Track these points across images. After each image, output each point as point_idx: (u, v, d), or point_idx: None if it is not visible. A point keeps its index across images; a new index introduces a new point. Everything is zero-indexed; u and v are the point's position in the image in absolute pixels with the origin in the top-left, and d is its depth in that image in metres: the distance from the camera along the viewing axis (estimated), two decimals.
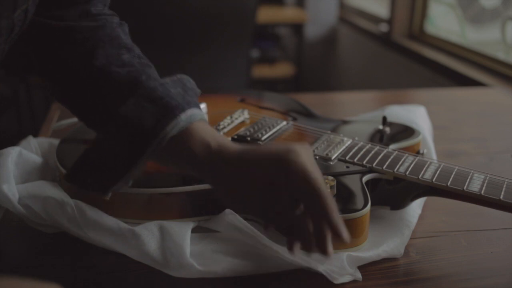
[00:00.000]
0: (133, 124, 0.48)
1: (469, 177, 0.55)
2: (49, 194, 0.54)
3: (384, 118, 0.69)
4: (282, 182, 0.44)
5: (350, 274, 0.49)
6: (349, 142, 0.63)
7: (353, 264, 0.50)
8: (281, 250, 0.49)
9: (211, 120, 0.72)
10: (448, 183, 0.54)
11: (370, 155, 0.60)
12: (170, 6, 1.52)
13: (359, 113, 0.88)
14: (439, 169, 0.56)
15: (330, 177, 0.52)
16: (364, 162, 0.58)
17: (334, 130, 0.69)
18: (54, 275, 0.50)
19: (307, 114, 0.75)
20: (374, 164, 0.58)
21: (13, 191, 0.55)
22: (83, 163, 0.51)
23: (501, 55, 1.53)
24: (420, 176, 0.55)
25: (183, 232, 0.52)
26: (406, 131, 0.69)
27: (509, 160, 0.78)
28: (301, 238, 0.44)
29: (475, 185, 0.53)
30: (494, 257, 0.54)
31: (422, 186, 0.56)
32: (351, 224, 0.50)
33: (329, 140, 0.64)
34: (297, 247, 0.45)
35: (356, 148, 0.62)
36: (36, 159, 0.63)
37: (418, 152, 0.66)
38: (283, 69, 2.80)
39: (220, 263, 0.49)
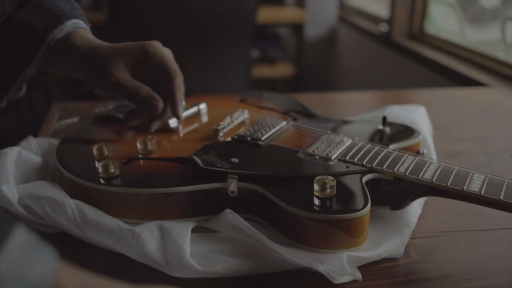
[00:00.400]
0: (25, 28, 0.54)
1: (469, 177, 0.55)
2: (49, 195, 0.54)
3: (384, 118, 0.69)
4: (142, 61, 0.56)
5: (350, 274, 0.49)
6: (349, 142, 0.63)
7: (353, 264, 0.50)
8: (281, 250, 0.49)
9: (211, 120, 0.72)
10: (448, 183, 0.54)
11: (370, 155, 0.60)
12: (170, 6, 1.53)
13: (359, 113, 0.88)
14: (439, 169, 0.56)
15: (330, 177, 0.52)
16: (364, 162, 0.58)
17: (334, 130, 0.69)
18: None
19: (307, 114, 0.75)
20: (374, 164, 0.58)
21: (13, 191, 0.55)
22: None
23: (501, 55, 1.53)
24: (420, 176, 0.55)
25: (183, 232, 0.52)
26: (406, 131, 0.69)
27: (509, 160, 0.78)
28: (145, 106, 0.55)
29: (475, 185, 0.53)
30: (494, 257, 0.54)
31: (422, 186, 0.56)
32: (351, 224, 0.50)
33: (329, 140, 0.64)
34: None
35: (356, 148, 0.62)
36: (36, 159, 0.63)
37: (418, 152, 0.66)
38: (283, 69, 2.80)
39: (220, 263, 0.49)
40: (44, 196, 0.54)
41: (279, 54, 2.84)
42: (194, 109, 0.74)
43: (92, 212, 0.53)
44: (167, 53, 0.57)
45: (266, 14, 2.51)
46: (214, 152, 0.60)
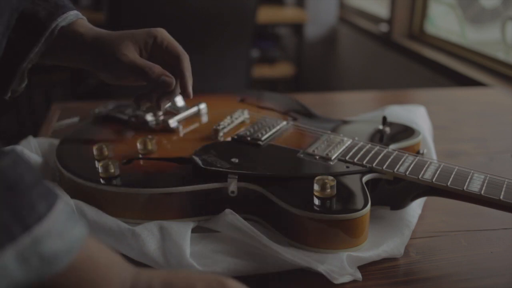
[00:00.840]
0: (29, 17, 0.55)
1: (469, 177, 0.55)
2: None
3: (384, 118, 0.69)
4: (150, 45, 0.59)
5: (350, 274, 0.49)
6: (349, 142, 0.63)
7: (353, 264, 0.50)
8: (281, 250, 0.50)
9: (211, 120, 0.72)
10: (448, 183, 0.54)
11: (370, 155, 0.60)
12: (170, 6, 1.52)
13: (359, 113, 0.88)
14: (439, 169, 0.56)
15: (330, 177, 0.52)
16: (364, 162, 0.58)
17: (334, 130, 0.69)
18: None
19: (307, 114, 0.75)
20: (374, 164, 0.58)
21: None
22: None
23: (501, 55, 1.53)
24: (420, 176, 0.55)
25: (183, 232, 0.52)
26: (406, 131, 0.69)
27: (509, 160, 0.78)
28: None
29: (475, 185, 0.53)
30: (494, 257, 0.54)
31: (422, 186, 0.56)
32: (351, 224, 0.50)
33: (329, 140, 0.64)
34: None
35: (356, 148, 0.62)
36: (36, 159, 0.63)
37: (418, 152, 0.66)
38: (283, 69, 2.80)
39: (220, 263, 0.49)
40: None
41: (279, 54, 2.84)
42: (194, 109, 0.74)
43: (92, 212, 0.53)
44: (173, 39, 0.60)
45: (266, 14, 2.51)
46: (214, 152, 0.60)
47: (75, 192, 0.56)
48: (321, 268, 0.49)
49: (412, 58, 1.85)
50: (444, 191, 0.54)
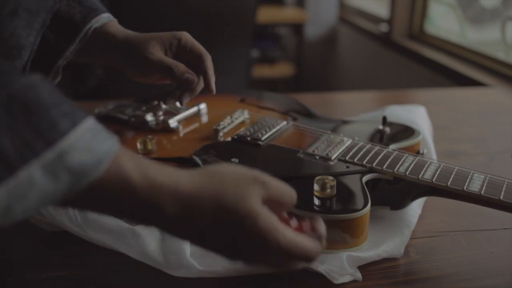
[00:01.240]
0: (65, 18, 0.60)
1: (469, 177, 0.55)
2: None
3: (384, 118, 0.69)
4: (175, 47, 0.64)
5: (350, 274, 0.49)
6: (349, 142, 0.63)
7: (353, 264, 0.50)
8: None
9: (211, 120, 0.72)
10: (448, 183, 0.54)
11: (370, 155, 0.60)
12: (170, 6, 1.52)
13: (359, 113, 0.88)
14: (439, 169, 0.56)
15: (330, 177, 0.52)
16: (364, 162, 0.58)
17: (334, 130, 0.69)
18: (54, 274, 0.50)
19: (307, 114, 0.75)
20: (374, 164, 0.58)
21: None
22: None
23: (501, 55, 1.53)
24: (420, 176, 0.55)
25: None
26: (406, 131, 0.69)
27: (509, 160, 0.78)
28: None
29: (475, 185, 0.53)
30: (494, 257, 0.54)
31: (422, 186, 0.56)
32: (351, 224, 0.50)
33: (329, 140, 0.64)
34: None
35: (356, 148, 0.62)
36: None
37: (418, 152, 0.66)
38: (283, 69, 2.80)
39: (220, 263, 0.49)
40: None
41: (279, 54, 2.84)
42: (194, 109, 0.74)
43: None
44: (195, 41, 0.66)
45: (266, 14, 2.51)
46: (214, 152, 0.60)
47: None
48: (321, 268, 0.49)
49: (412, 58, 1.85)
50: (444, 191, 0.54)
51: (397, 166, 0.57)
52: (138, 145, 0.62)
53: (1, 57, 0.48)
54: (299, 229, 0.42)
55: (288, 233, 0.38)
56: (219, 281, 0.49)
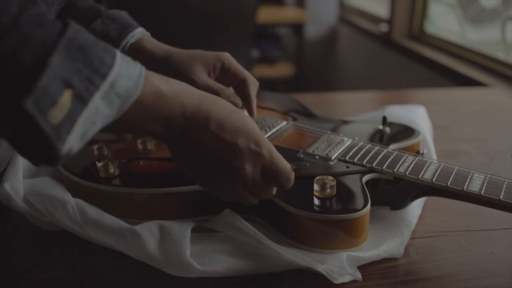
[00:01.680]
0: (101, 36, 0.61)
1: (469, 177, 0.55)
2: (51, 193, 0.54)
3: (384, 118, 0.69)
4: (218, 69, 0.64)
5: (350, 274, 0.49)
6: (349, 142, 0.63)
7: (353, 264, 0.50)
8: (281, 250, 0.49)
9: None
10: (448, 183, 0.54)
11: (370, 155, 0.60)
12: (170, 6, 1.52)
13: (359, 113, 0.88)
14: (439, 169, 0.56)
15: (330, 177, 0.52)
16: (364, 162, 0.58)
17: (334, 130, 0.69)
18: (54, 274, 0.50)
19: (307, 114, 0.75)
20: (374, 164, 0.58)
21: (17, 188, 0.55)
22: None
23: (501, 55, 1.53)
24: (420, 176, 0.55)
25: (183, 231, 0.52)
26: (406, 131, 0.69)
27: (509, 160, 0.78)
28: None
29: (475, 185, 0.53)
30: (494, 257, 0.54)
31: (422, 186, 0.56)
32: (351, 224, 0.50)
33: (329, 140, 0.64)
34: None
35: (356, 148, 0.62)
36: None
37: (418, 152, 0.66)
38: (283, 69, 2.80)
39: (220, 263, 0.49)
40: (46, 193, 0.54)
41: (279, 54, 2.84)
42: None
43: (93, 211, 0.53)
44: (237, 63, 0.66)
45: (266, 14, 2.51)
46: None
47: (75, 192, 0.56)
48: (321, 268, 0.49)
49: (412, 58, 1.85)
50: (444, 191, 0.54)
51: (397, 166, 0.57)
52: (138, 145, 0.62)
53: None
54: None
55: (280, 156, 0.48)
56: (219, 281, 0.49)
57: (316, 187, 0.52)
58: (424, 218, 0.60)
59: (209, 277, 0.49)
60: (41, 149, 0.34)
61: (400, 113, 0.82)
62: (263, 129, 0.67)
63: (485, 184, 0.53)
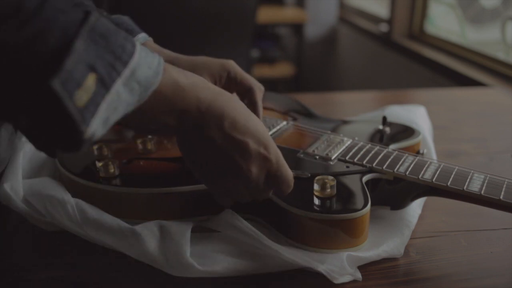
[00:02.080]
0: None
1: (469, 177, 0.55)
2: (51, 193, 0.54)
3: (384, 118, 0.69)
4: (224, 78, 0.62)
5: (350, 274, 0.49)
6: (349, 142, 0.63)
7: (353, 264, 0.50)
8: (281, 250, 0.49)
9: None
10: (448, 183, 0.54)
11: (370, 155, 0.60)
12: (170, 6, 1.52)
13: (359, 113, 0.88)
14: (439, 169, 0.56)
15: (330, 177, 0.52)
16: (364, 162, 0.58)
17: (334, 130, 0.69)
18: (54, 274, 0.50)
19: (307, 114, 0.75)
20: (374, 164, 0.58)
21: (17, 188, 0.55)
22: None
23: (501, 55, 1.53)
24: (420, 176, 0.55)
25: (183, 231, 0.52)
26: (406, 131, 0.69)
27: (509, 160, 0.78)
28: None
29: (475, 185, 0.53)
30: (494, 257, 0.54)
31: (422, 186, 0.56)
32: (351, 224, 0.50)
33: (329, 140, 0.64)
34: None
35: (356, 148, 0.62)
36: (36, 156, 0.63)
37: (418, 152, 0.66)
38: (283, 69, 2.80)
39: (220, 263, 0.49)
40: (45, 194, 0.54)
41: (279, 54, 2.84)
42: None
43: (93, 211, 0.53)
44: (243, 71, 0.64)
45: (266, 14, 2.51)
46: None
47: (75, 192, 0.56)
48: (321, 268, 0.49)
49: (412, 58, 1.85)
50: (444, 191, 0.54)
51: (397, 166, 0.57)
52: (138, 145, 0.62)
53: None
54: None
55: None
56: (219, 281, 0.49)
57: (316, 187, 0.52)
58: (424, 218, 0.60)
59: (209, 277, 0.49)
60: (65, 133, 0.34)
61: (400, 113, 0.82)
62: None
63: (485, 184, 0.53)
